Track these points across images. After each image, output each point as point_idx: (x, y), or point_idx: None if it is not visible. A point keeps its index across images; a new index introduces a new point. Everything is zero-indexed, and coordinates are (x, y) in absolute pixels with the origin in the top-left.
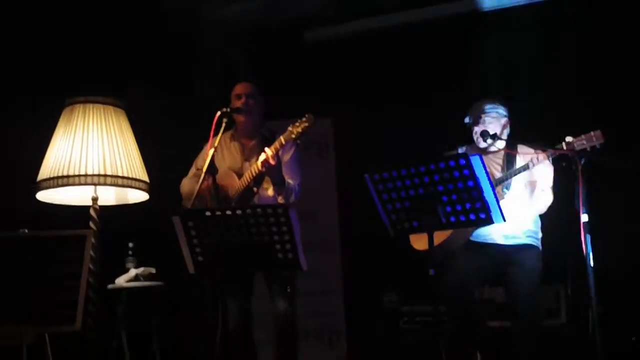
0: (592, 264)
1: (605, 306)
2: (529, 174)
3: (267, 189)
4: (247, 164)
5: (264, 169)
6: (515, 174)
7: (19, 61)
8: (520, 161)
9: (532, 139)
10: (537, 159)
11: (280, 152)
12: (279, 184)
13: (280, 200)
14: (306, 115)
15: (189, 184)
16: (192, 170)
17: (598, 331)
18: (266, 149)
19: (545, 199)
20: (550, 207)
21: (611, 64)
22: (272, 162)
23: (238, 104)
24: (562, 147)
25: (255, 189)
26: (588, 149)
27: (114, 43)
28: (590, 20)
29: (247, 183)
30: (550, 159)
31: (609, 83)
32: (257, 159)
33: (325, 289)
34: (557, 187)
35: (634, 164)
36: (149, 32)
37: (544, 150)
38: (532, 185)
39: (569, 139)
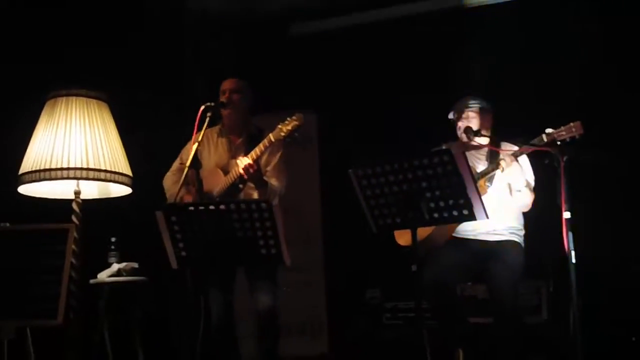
0: (574, 260)
1: (587, 303)
2: (504, 175)
3: (253, 189)
4: (233, 161)
5: (246, 176)
6: (492, 170)
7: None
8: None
9: (515, 135)
10: (505, 160)
11: (266, 154)
12: (261, 186)
13: None
14: (295, 114)
15: (172, 178)
16: (176, 164)
17: (579, 328)
18: (242, 158)
19: (522, 198)
20: (533, 204)
21: (594, 60)
22: (250, 170)
23: (223, 98)
24: (543, 140)
25: (240, 186)
26: (568, 140)
27: (97, 37)
28: (573, 16)
29: (232, 180)
30: (519, 158)
31: (592, 78)
32: (244, 156)
33: (308, 283)
34: (539, 184)
35: (614, 159)
36: (133, 25)
37: (527, 147)
38: (509, 185)
39: (549, 130)
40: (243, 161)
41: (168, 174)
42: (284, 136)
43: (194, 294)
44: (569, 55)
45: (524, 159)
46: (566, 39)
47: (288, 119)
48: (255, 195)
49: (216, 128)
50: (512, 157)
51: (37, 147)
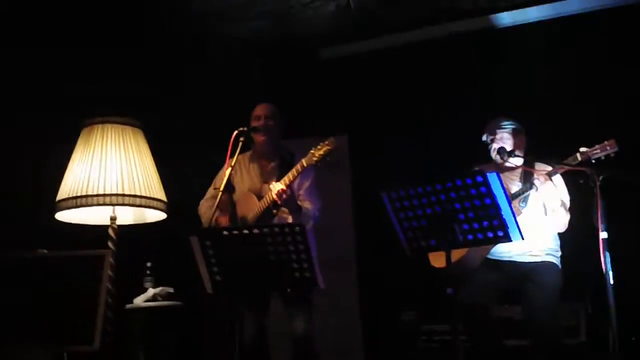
0: (611, 281)
1: (626, 324)
2: (539, 194)
3: (287, 213)
4: (266, 185)
5: (279, 201)
6: (527, 191)
7: (39, 82)
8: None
9: (548, 155)
10: (539, 180)
11: (298, 179)
12: (295, 211)
13: None
14: (328, 139)
15: (207, 205)
16: (210, 190)
17: (618, 350)
18: (275, 184)
19: (557, 219)
20: (569, 224)
21: (626, 78)
22: (284, 196)
23: (257, 124)
24: (578, 159)
25: (274, 211)
26: (603, 158)
27: (131, 64)
28: (600, 35)
29: (266, 205)
30: (553, 178)
31: (624, 97)
32: (277, 180)
33: (342, 307)
34: (575, 204)
35: None
36: (165, 50)
37: (561, 167)
38: (544, 205)
39: (583, 149)
40: (276, 187)
41: (203, 200)
42: (316, 161)
43: (229, 319)
44: (602, 72)
45: (558, 179)
46: (598, 56)
47: (320, 143)
48: (290, 220)
49: (248, 153)
50: (546, 177)
51: (74, 174)
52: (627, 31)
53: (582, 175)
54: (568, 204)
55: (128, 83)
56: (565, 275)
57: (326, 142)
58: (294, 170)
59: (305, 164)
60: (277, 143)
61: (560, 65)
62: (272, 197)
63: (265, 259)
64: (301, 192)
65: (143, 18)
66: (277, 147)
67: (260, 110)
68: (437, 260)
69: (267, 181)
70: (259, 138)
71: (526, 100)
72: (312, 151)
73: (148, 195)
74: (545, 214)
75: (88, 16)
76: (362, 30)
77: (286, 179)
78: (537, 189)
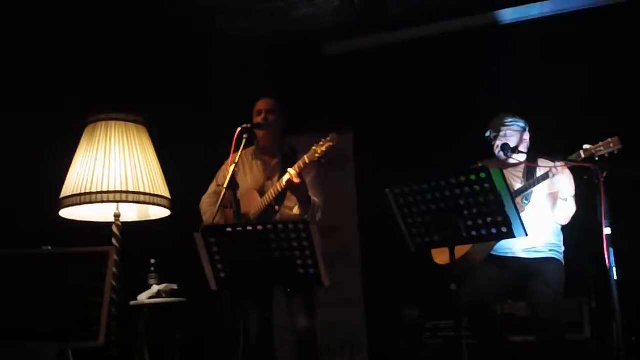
0: (615, 277)
1: (630, 319)
2: (550, 184)
3: (291, 208)
4: (269, 182)
5: (287, 188)
6: (535, 184)
7: (43, 78)
8: (540, 174)
9: (552, 152)
10: (557, 169)
11: (304, 172)
12: (305, 202)
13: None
14: (330, 135)
15: (209, 201)
16: (212, 186)
17: (622, 345)
18: (290, 169)
19: (567, 208)
20: (572, 219)
21: (629, 74)
22: (296, 180)
23: (258, 119)
24: (581, 156)
25: (276, 207)
26: (607, 155)
27: (134, 60)
28: (606, 31)
29: (269, 201)
30: (568, 169)
31: (627, 93)
32: (280, 177)
33: (347, 302)
34: (579, 200)
35: None
36: (168, 47)
37: (566, 163)
38: (554, 196)
39: (586, 146)
40: (291, 171)
41: (204, 196)
42: (318, 157)
43: (233, 315)
44: (604, 70)
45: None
46: (600, 53)
47: (322, 140)
48: (296, 210)
49: (250, 149)
50: (565, 165)
51: (78, 171)
52: (631, 27)
53: (586, 171)
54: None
55: (133, 81)
56: (570, 271)
57: (328, 138)
58: (296, 166)
59: (307, 161)
60: (279, 138)
61: (565, 62)
62: (281, 184)
63: (270, 256)
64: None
65: (146, 15)
66: (279, 143)
67: (261, 105)
68: (440, 256)
69: (270, 178)
70: (259, 133)
71: (530, 97)
72: (313, 147)
73: (152, 192)
74: (552, 208)
75: (86, 13)
76: (366, 25)
77: (297, 166)
78: (553, 175)
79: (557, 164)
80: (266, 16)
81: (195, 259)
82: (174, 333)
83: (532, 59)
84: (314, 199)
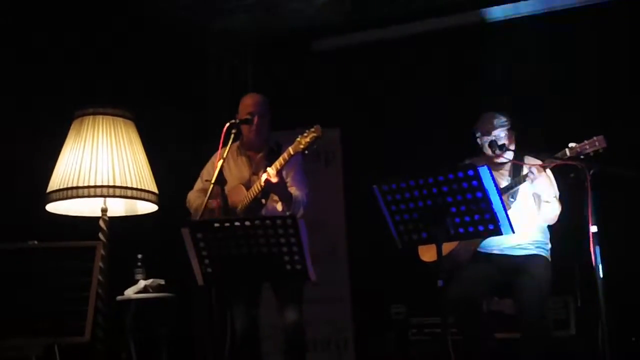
0: (601, 274)
1: (615, 317)
2: (532, 185)
3: (277, 202)
4: (255, 177)
5: (266, 187)
6: (521, 182)
7: (29, 73)
8: (524, 172)
9: (539, 150)
10: (533, 173)
11: (286, 167)
12: (287, 199)
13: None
14: (314, 126)
15: (195, 197)
16: (198, 184)
17: (607, 343)
18: (268, 169)
19: (552, 209)
20: (558, 218)
21: (618, 72)
22: (273, 180)
23: (246, 115)
24: (566, 154)
25: (263, 201)
26: (591, 154)
27: (122, 55)
28: (596, 29)
29: (254, 196)
30: (547, 170)
31: (616, 91)
32: (265, 171)
33: (333, 298)
34: (565, 198)
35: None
36: (156, 43)
37: (551, 161)
38: (538, 196)
39: (572, 145)
40: (269, 171)
41: (191, 192)
42: (303, 148)
43: (220, 310)
44: (592, 68)
45: (549, 173)
46: (588, 52)
47: (307, 131)
48: (279, 208)
49: (235, 145)
50: (541, 168)
51: (65, 166)
52: (617, 27)
53: (572, 169)
54: (558, 197)
55: (121, 76)
56: (556, 269)
57: (312, 130)
58: (281, 158)
59: (292, 152)
60: (266, 134)
61: (551, 60)
62: (262, 183)
63: (257, 251)
64: (288, 179)
65: (131, 11)
66: (265, 137)
67: (248, 100)
68: (426, 254)
69: (255, 172)
70: (246, 129)
71: (517, 94)
72: (298, 139)
73: (139, 187)
74: (538, 206)
75: (72, 12)
76: (354, 22)
77: (277, 163)
78: (532, 181)
79: (539, 163)
80: (255, 12)
81: (182, 254)
82: (161, 328)
83: (520, 57)
84: (296, 193)
